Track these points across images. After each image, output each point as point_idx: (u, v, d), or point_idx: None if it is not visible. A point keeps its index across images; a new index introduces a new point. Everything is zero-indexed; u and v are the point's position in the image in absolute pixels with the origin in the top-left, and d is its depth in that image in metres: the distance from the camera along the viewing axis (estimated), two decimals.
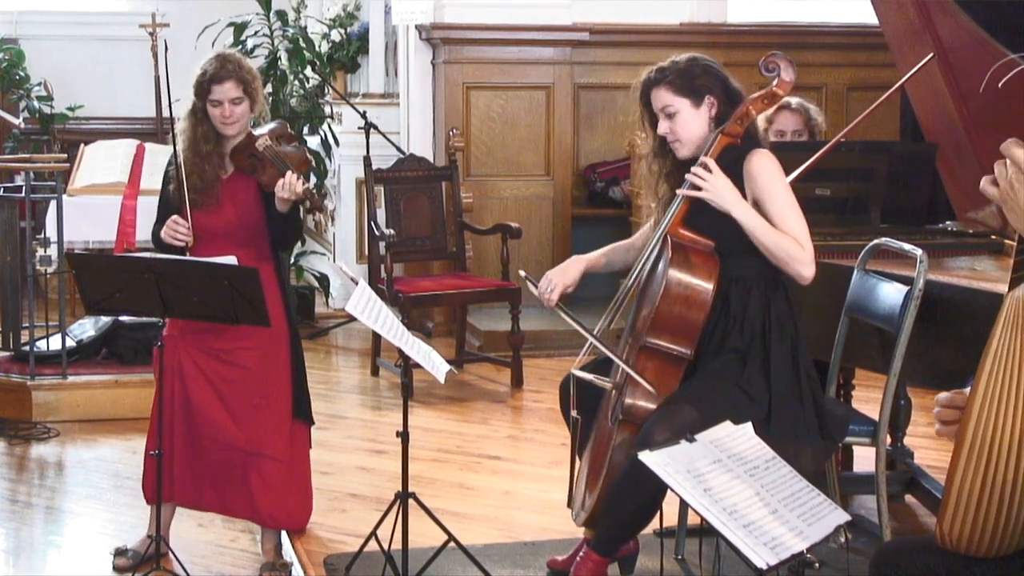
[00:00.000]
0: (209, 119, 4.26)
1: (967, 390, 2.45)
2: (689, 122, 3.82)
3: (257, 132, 4.31)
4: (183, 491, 4.30)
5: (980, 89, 4.02)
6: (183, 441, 4.26)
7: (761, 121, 4.91)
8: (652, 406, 3.69)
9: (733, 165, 3.75)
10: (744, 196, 3.73)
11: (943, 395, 2.48)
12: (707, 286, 3.69)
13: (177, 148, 4.21)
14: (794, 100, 5.03)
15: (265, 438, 4.26)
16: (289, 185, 4.12)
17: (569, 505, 4.01)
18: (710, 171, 3.72)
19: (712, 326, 3.75)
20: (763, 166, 3.74)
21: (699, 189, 3.72)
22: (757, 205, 3.73)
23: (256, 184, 4.25)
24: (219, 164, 4.27)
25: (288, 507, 4.32)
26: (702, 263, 3.71)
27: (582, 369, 3.92)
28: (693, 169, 3.76)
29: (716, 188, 3.71)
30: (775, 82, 3.81)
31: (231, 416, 4.25)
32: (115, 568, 4.33)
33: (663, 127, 3.85)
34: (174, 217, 4.19)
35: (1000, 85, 4.14)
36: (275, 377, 4.29)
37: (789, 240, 3.68)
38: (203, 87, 4.23)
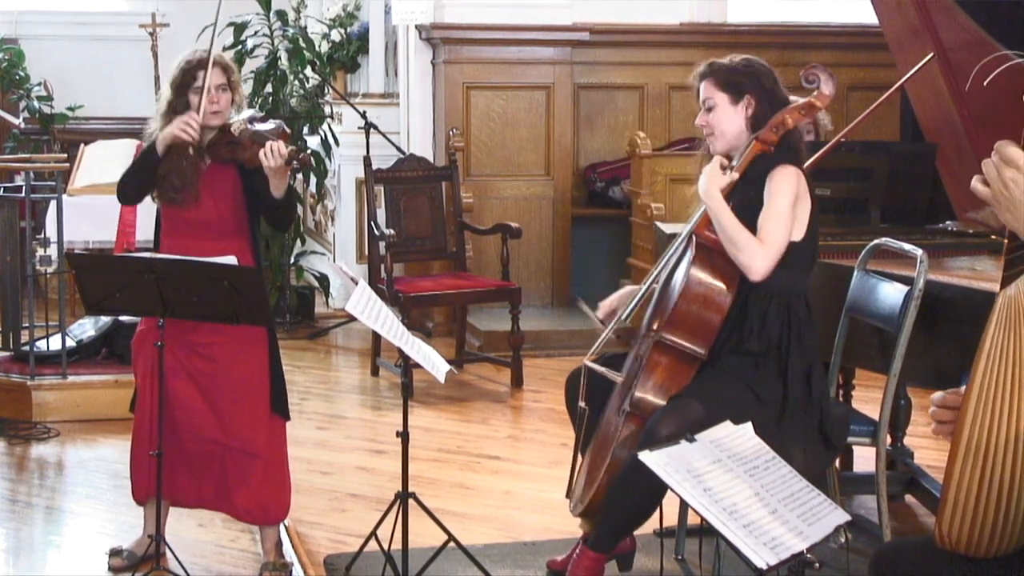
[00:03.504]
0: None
1: (962, 388, 2.46)
2: (724, 117, 3.85)
3: (230, 120, 4.29)
4: (155, 485, 4.24)
5: (983, 84, 4.01)
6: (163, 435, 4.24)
7: None
8: (660, 402, 3.71)
9: (761, 174, 3.78)
10: (760, 201, 3.77)
11: (937, 395, 2.49)
12: (727, 288, 3.71)
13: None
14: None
15: (243, 433, 4.24)
16: (273, 151, 4.07)
17: (568, 495, 4.02)
18: (709, 164, 3.80)
19: (728, 332, 3.76)
20: (778, 178, 3.76)
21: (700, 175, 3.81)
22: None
23: (234, 176, 4.22)
24: (196, 160, 4.24)
25: (264, 502, 4.29)
26: (724, 265, 3.73)
27: (593, 362, 3.94)
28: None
29: (703, 178, 3.79)
30: (815, 93, 3.84)
31: (210, 409, 4.23)
32: (111, 569, 4.33)
33: (700, 119, 3.92)
34: (190, 114, 4.15)
35: (988, 83, 4.14)
36: (253, 372, 4.27)
37: (746, 234, 3.70)
38: (188, 74, 4.21)
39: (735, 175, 3.79)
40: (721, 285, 3.73)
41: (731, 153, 3.86)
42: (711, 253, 3.75)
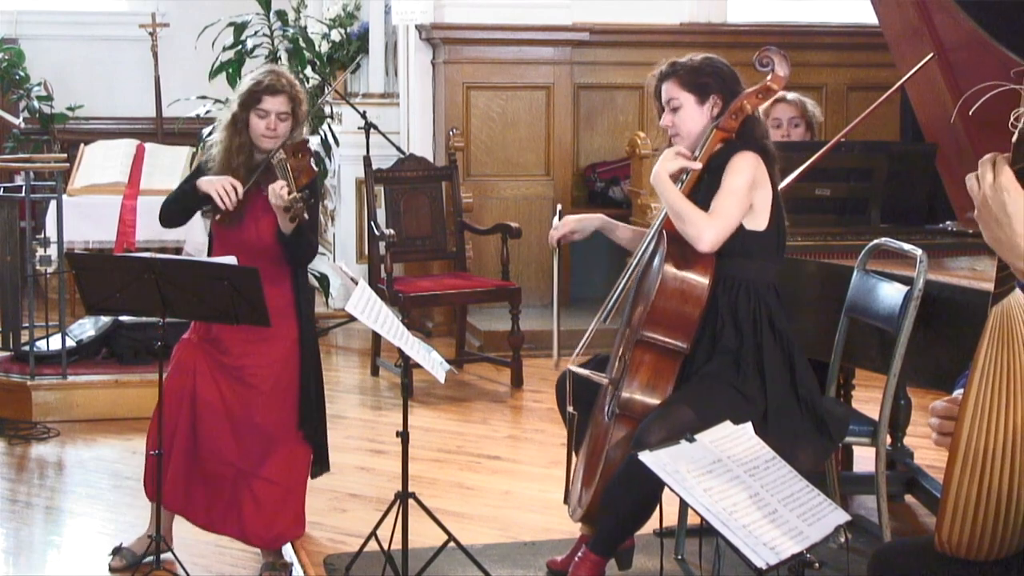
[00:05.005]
0: (246, 132, 4.23)
1: (956, 394, 2.48)
2: (690, 117, 3.85)
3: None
4: (172, 495, 4.22)
5: (982, 98, 4.01)
6: (184, 444, 4.23)
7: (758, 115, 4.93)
8: (648, 401, 3.71)
9: (722, 165, 3.78)
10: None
11: (938, 404, 2.50)
12: (703, 280, 3.71)
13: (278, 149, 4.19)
14: (790, 94, 5.03)
15: (260, 458, 4.23)
16: (275, 190, 4.07)
17: (566, 501, 4.01)
18: (668, 149, 3.83)
19: (701, 327, 3.76)
20: (736, 162, 3.76)
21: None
22: None
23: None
24: (245, 179, 4.23)
25: (278, 529, 4.29)
26: (697, 258, 3.72)
27: (579, 366, 3.94)
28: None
29: (658, 162, 3.82)
30: (769, 76, 3.83)
31: (232, 430, 4.22)
32: (110, 568, 4.32)
33: (666, 119, 3.90)
34: (234, 181, 4.15)
35: (987, 82, 4.14)
36: (280, 397, 4.27)
37: (694, 208, 3.72)
38: (255, 95, 4.21)
39: (698, 165, 3.79)
40: (697, 278, 3.72)
41: (692, 150, 3.87)
42: (683, 246, 3.74)
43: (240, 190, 4.15)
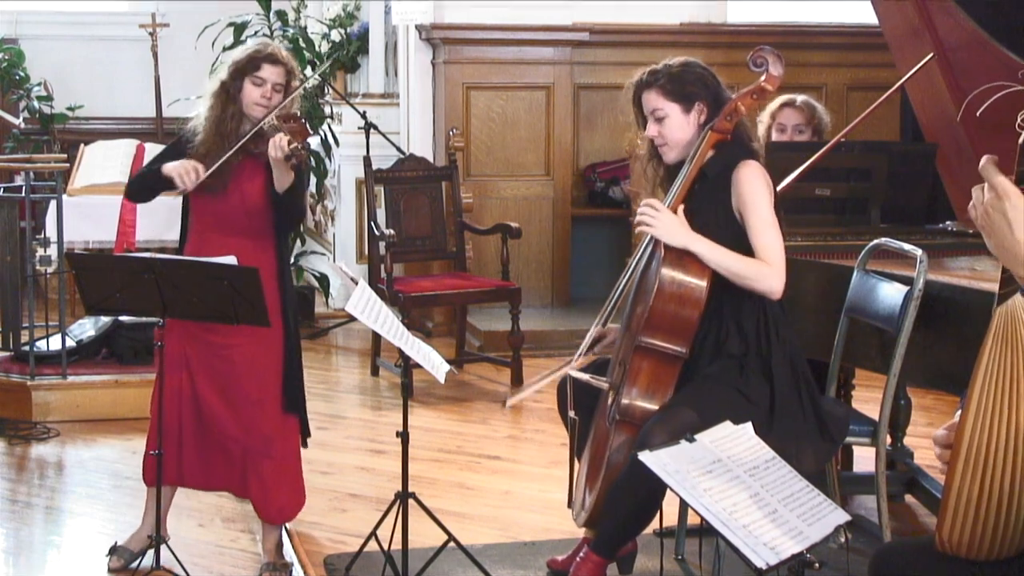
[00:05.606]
0: (237, 101, 4.25)
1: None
2: (677, 127, 3.81)
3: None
4: (192, 475, 4.32)
5: (984, 103, 4.03)
6: (192, 429, 4.28)
7: (765, 116, 4.92)
8: (649, 406, 3.69)
9: (722, 173, 3.75)
10: (729, 203, 3.73)
11: (940, 433, 2.50)
12: (700, 283, 3.69)
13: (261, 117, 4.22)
14: (800, 98, 5.02)
15: (261, 434, 4.27)
16: (277, 142, 4.09)
17: (569, 505, 4.01)
18: (656, 210, 3.70)
19: (705, 332, 3.74)
20: (749, 178, 3.72)
21: (651, 226, 3.71)
22: (739, 214, 3.73)
23: (263, 172, 4.23)
24: (234, 144, 4.23)
25: (280, 503, 4.33)
26: (694, 261, 3.70)
27: (580, 370, 3.93)
28: (640, 208, 3.75)
29: (664, 227, 3.69)
30: (763, 77, 3.79)
31: (230, 409, 4.26)
32: (109, 569, 4.32)
33: (651, 130, 3.85)
34: (196, 164, 4.18)
35: (987, 81, 4.15)
36: (268, 372, 4.29)
37: (750, 262, 3.66)
38: (254, 62, 4.24)
39: (681, 195, 3.74)
40: (694, 281, 3.69)
41: (682, 158, 3.83)
42: (680, 250, 3.70)
43: (201, 172, 4.17)
